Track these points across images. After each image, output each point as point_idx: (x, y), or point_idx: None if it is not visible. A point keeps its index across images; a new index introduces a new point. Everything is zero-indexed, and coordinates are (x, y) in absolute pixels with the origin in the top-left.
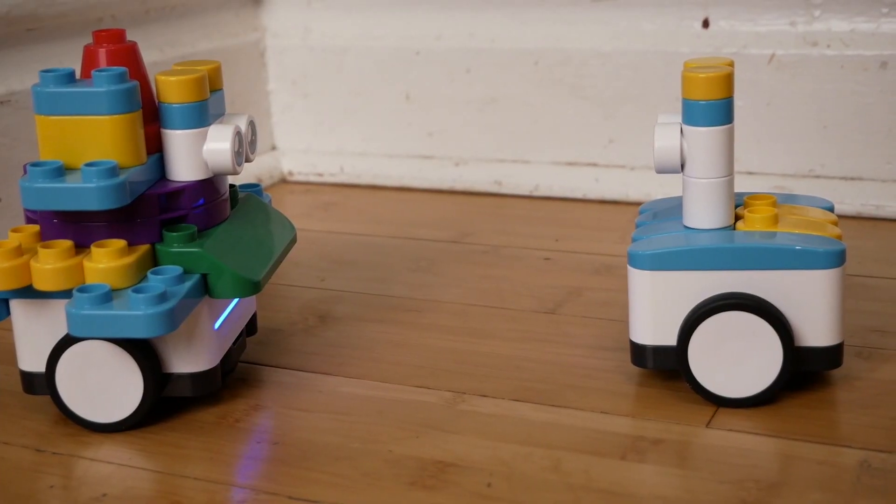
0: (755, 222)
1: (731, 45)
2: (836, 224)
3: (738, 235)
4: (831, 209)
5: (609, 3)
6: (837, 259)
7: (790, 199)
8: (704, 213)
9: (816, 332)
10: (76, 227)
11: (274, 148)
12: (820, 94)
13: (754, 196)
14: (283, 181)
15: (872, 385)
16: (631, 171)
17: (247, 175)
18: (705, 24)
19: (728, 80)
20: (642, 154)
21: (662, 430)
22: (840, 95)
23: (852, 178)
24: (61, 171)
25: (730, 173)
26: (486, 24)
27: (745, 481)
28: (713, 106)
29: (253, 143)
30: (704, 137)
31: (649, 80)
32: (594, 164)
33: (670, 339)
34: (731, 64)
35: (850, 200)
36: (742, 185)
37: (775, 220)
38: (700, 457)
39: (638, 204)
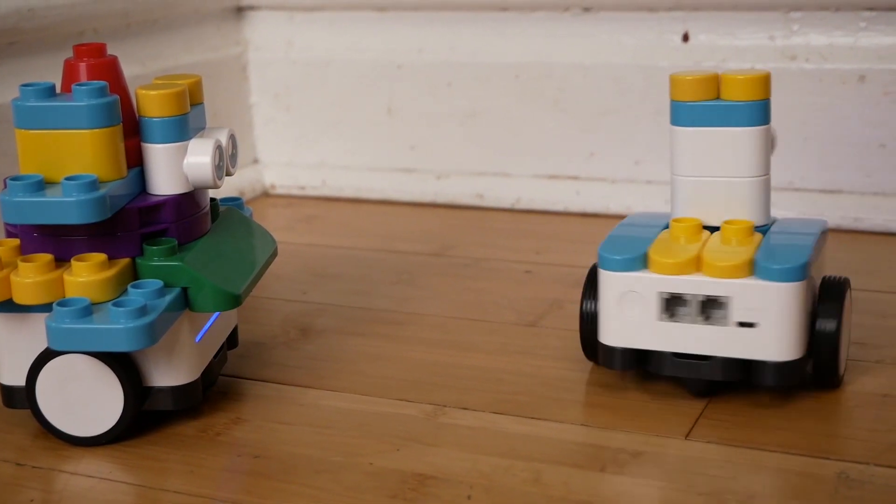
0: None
1: (710, 59)
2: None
3: None
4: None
5: (589, 17)
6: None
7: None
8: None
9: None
10: (56, 241)
11: (256, 161)
12: (799, 107)
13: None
14: (266, 194)
15: (851, 396)
16: (612, 185)
17: (229, 188)
18: (685, 38)
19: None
20: (623, 167)
21: (642, 443)
22: (819, 109)
23: (832, 191)
24: (41, 185)
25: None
26: (467, 37)
27: (723, 493)
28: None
29: (234, 156)
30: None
31: (630, 93)
32: (575, 178)
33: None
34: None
35: (829, 213)
36: None
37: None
38: (679, 468)
39: (619, 217)
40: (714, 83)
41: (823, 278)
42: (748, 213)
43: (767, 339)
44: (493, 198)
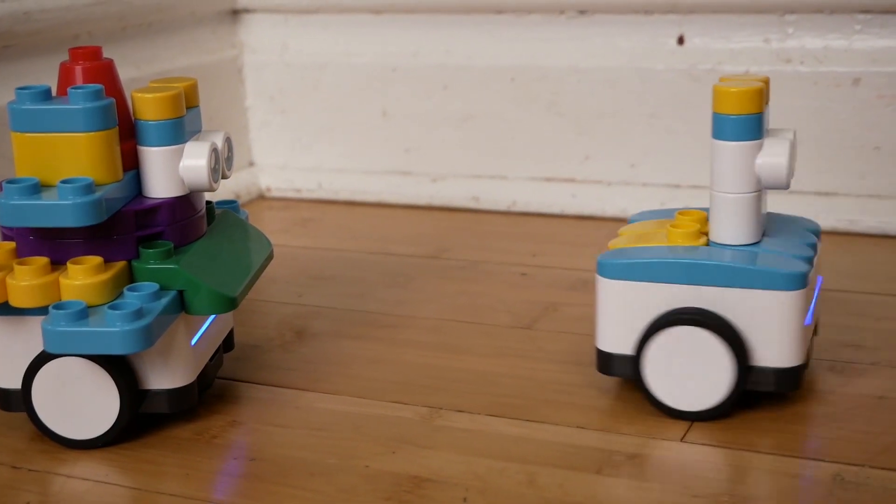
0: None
1: (705, 62)
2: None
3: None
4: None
5: (585, 21)
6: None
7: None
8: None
9: None
10: (52, 244)
11: (252, 164)
12: (794, 110)
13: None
14: (261, 197)
15: (845, 399)
16: (607, 187)
17: (225, 191)
18: (680, 41)
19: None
20: (619, 170)
21: (637, 445)
22: (814, 111)
23: (827, 194)
24: (37, 188)
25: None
26: (462, 41)
27: (719, 495)
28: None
29: (229, 159)
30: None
31: (625, 96)
32: (571, 180)
33: None
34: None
35: (824, 216)
36: None
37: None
38: (675, 471)
39: (614, 220)
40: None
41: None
42: (715, 227)
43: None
44: (489, 200)
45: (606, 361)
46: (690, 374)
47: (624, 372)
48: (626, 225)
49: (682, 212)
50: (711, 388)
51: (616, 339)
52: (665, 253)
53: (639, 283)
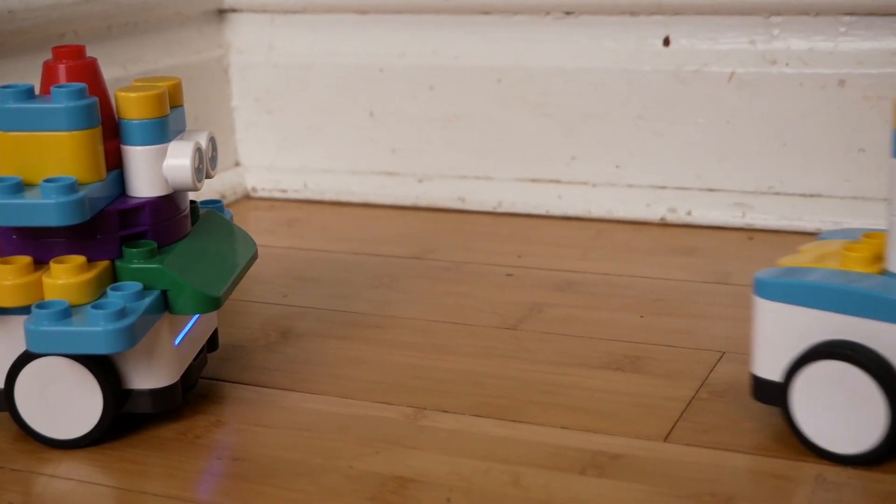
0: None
1: (691, 63)
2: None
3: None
4: None
5: (571, 22)
6: None
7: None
8: None
9: None
10: (35, 243)
11: (237, 164)
12: (779, 111)
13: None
14: (247, 197)
15: None
16: (593, 188)
17: (211, 191)
18: (666, 42)
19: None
20: (604, 171)
21: (621, 445)
22: (799, 113)
23: (811, 195)
24: (20, 187)
25: None
26: (449, 41)
27: (702, 495)
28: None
29: (214, 159)
30: None
31: (611, 97)
32: (557, 181)
33: None
34: None
35: (809, 217)
36: (703, 202)
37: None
38: (658, 471)
39: (600, 220)
40: None
41: None
42: (890, 255)
43: None
44: (475, 201)
45: (757, 387)
46: (840, 412)
47: (774, 400)
48: (808, 242)
49: (868, 234)
50: (865, 430)
51: (767, 364)
52: (824, 277)
53: (793, 306)
